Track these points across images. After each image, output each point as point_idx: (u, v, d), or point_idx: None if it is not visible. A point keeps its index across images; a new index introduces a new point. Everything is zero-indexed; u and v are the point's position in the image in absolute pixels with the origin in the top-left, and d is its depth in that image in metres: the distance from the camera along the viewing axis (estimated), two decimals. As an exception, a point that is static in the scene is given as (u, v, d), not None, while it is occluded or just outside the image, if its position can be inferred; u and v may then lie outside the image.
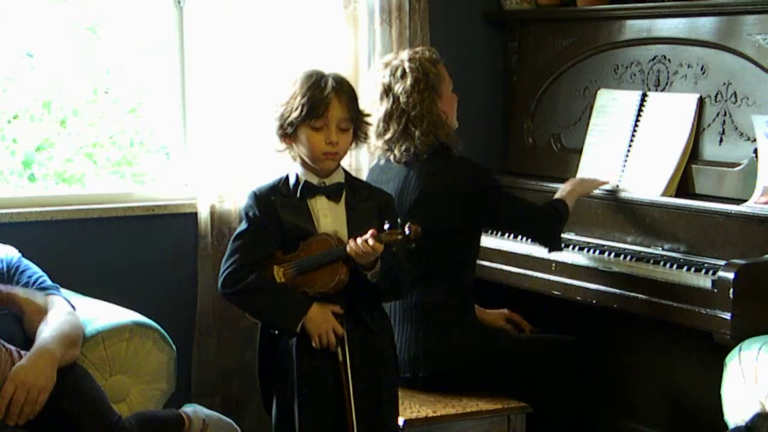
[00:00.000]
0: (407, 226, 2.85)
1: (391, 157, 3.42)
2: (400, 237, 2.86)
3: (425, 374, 3.38)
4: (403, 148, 3.38)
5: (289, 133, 2.95)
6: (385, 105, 3.39)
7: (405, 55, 3.43)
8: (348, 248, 2.85)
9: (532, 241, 3.72)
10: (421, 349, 3.36)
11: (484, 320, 3.58)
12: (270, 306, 2.94)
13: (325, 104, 2.90)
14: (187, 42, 3.95)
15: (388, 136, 3.39)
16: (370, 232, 2.83)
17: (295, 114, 2.91)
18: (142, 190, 4.04)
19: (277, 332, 2.99)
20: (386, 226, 2.86)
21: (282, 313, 2.92)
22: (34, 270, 3.20)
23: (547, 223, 3.53)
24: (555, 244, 3.55)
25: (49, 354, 2.88)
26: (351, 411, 2.90)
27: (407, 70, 3.37)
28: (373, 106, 3.39)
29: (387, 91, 3.39)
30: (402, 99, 3.36)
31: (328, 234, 2.94)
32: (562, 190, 3.64)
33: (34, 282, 3.14)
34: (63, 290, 3.27)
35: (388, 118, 3.38)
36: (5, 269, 3.16)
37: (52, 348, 2.89)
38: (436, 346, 3.37)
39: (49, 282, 3.19)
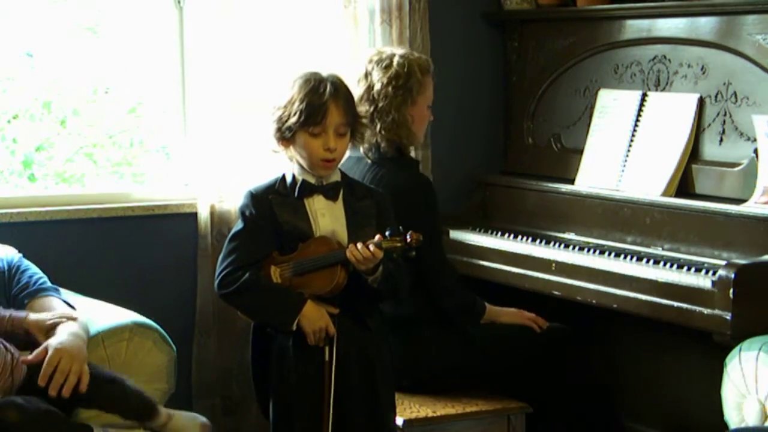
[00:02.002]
0: (408, 233, 2.86)
1: (361, 148, 3.37)
2: (400, 244, 2.87)
3: (409, 382, 3.37)
4: (366, 136, 3.33)
5: (286, 137, 2.94)
6: (360, 89, 3.39)
7: (399, 50, 3.45)
8: (348, 253, 2.85)
9: (429, 286, 3.40)
10: (404, 357, 3.35)
11: (501, 320, 3.50)
12: (265, 304, 2.93)
13: (323, 111, 2.90)
14: (187, 42, 3.95)
15: None
16: (377, 237, 2.85)
17: (293, 119, 2.90)
18: (142, 190, 4.04)
19: (271, 331, 2.99)
20: (387, 233, 2.87)
21: (277, 311, 2.92)
22: (34, 270, 3.20)
23: (448, 281, 3.40)
24: (447, 301, 3.38)
25: (81, 339, 2.94)
26: (329, 411, 2.89)
27: (393, 63, 3.38)
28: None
29: (366, 75, 3.40)
30: (375, 87, 3.37)
31: (328, 236, 2.94)
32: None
33: (34, 283, 3.15)
34: (63, 290, 3.27)
35: (358, 101, 3.34)
36: (5, 269, 3.16)
37: (78, 333, 2.95)
38: (418, 354, 3.37)
39: (48, 284, 3.19)
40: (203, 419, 3.12)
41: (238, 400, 4.01)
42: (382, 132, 3.35)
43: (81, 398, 2.89)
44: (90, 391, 2.88)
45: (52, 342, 2.86)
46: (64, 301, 3.14)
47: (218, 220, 3.94)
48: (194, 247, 3.96)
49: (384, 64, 3.38)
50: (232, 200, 3.93)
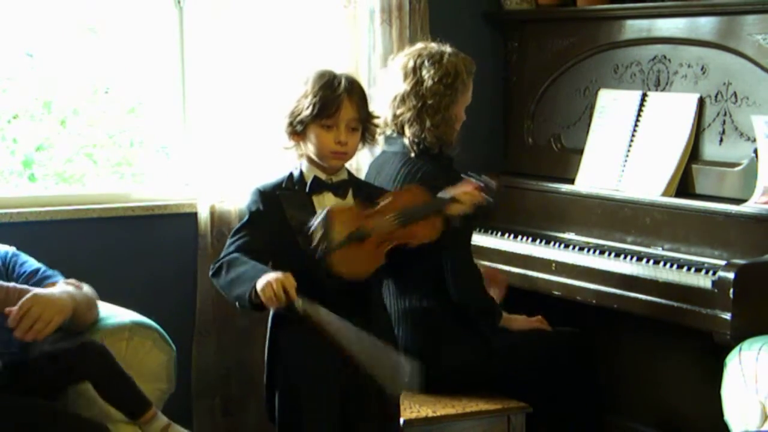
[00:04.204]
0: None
1: (405, 141, 3.40)
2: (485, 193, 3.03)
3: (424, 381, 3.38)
4: (413, 131, 3.38)
5: (298, 131, 2.95)
6: (408, 83, 3.39)
7: (448, 48, 3.44)
8: (459, 191, 2.95)
9: (452, 283, 3.39)
10: (416, 354, 3.36)
11: (512, 327, 3.49)
12: (236, 277, 2.82)
13: (336, 104, 2.91)
14: (187, 42, 3.95)
15: (399, 111, 3.39)
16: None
17: (306, 112, 2.92)
18: (142, 190, 4.04)
19: (240, 306, 2.84)
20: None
21: (243, 280, 2.78)
22: (33, 261, 3.23)
23: (473, 281, 3.40)
24: (465, 298, 3.38)
25: (68, 295, 2.98)
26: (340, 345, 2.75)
27: (444, 61, 3.39)
28: (394, 83, 3.42)
29: (415, 70, 3.39)
30: (427, 83, 3.36)
31: (417, 187, 3.00)
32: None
33: (36, 272, 3.18)
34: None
35: (405, 96, 3.39)
36: (2, 263, 3.18)
37: (71, 291, 3.01)
38: (430, 351, 3.37)
39: (49, 271, 3.22)
40: None
41: (237, 399, 4.01)
42: (432, 129, 3.36)
43: (80, 373, 2.96)
44: (90, 366, 2.95)
45: (33, 290, 2.93)
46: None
47: (218, 220, 3.94)
48: (194, 247, 3.96)
49: (434, 60, 3.38)
50: (232, 200, 3.93)
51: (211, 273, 2.94)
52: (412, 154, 3.38)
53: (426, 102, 3.36)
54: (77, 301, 3.01)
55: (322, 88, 2.92)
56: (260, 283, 2.70)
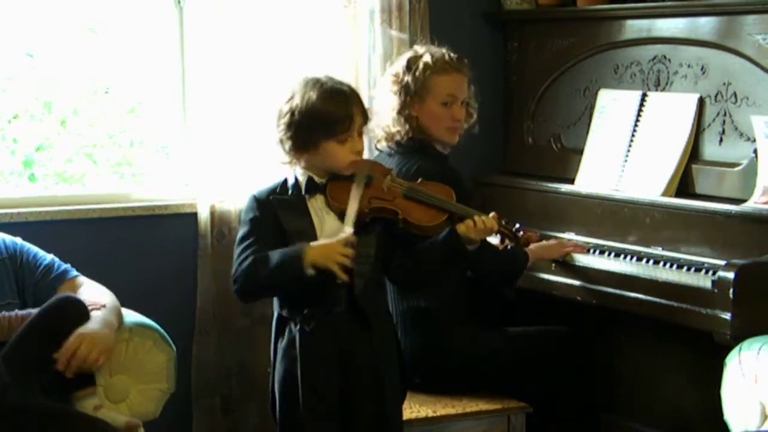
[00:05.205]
0: (522, 231, 3.04)
1: (384, 143, 3.53)
2: (508, 233, 3.03)
3: (420, 380, 3.38)
4: (395, 133, 3.49)
5: (308, 148, 2.94)
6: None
7: (421, 49, 3.52)
8: (476, 215, 2.95)
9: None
10: (416, 355, 3.36)
11: (542, 257, 3.62)
12: (273, 267, 2.85)
13: (350, 117, 2.92)
14: (187, 42, 3.95)
15: (386, 127, 3.53)
16: (492, 213, 2.98)
17: (320, 131, 2.90)
18: (142, 190, 4.04)
19: (293, 285, 2.90)
20: (503, 221, 3.03)
21: (284, 264, 2.84)
22: (42, 252, 3.29)
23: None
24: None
25: (108, 326, 3.05)
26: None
27: (399, 62, 3.51)
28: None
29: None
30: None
31: (451, 190, 3.02)
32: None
33: (50, 266, 3.24)
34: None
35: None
36: (12, 253, 3.21)
37: (107, 318, 3.07)
38: (429, 352, 3.38)
39: (63, 265, 3.28)
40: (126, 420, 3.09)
41: (237, 399, 4.01)
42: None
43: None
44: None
45: (79, 330, 2.96)
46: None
47: (218, 220, 3.94)
48: (194, 248, 3.96)
49: (395, 61, 3.53)
50: (232, 200, 3.93)
51: (236, 287, 2.93)
52: (396, 153, 3.45)
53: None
54: (114, 327, 3.08)
55: (332, 103, 2.90)
56: (325, 260, 2.81)
